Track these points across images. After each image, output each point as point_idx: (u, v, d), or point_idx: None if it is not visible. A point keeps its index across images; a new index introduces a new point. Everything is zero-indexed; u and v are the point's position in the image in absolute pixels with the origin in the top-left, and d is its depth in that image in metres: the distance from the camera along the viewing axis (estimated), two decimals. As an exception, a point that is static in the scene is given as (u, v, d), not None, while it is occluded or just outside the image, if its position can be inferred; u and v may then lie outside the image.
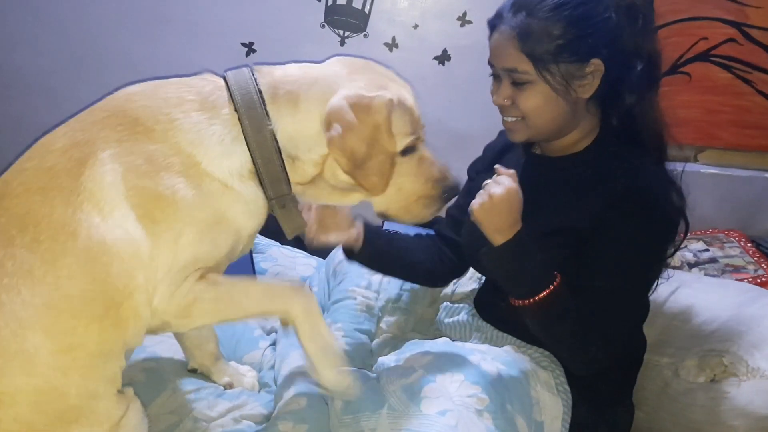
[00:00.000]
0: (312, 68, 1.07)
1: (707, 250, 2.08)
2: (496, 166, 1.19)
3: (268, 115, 0.99)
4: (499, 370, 1.19)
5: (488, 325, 1.40)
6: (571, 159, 1.29)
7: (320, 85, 1.02)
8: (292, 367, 1.34)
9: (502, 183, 1.13)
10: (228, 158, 0.98)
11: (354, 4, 2.45)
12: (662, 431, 1.48)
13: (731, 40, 2.24)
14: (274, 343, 1.54)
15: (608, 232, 1.15)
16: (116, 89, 1.02)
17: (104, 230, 0.87)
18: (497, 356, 1.24)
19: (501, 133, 1.51)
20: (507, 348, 1.29)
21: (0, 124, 2.55)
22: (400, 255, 1.42)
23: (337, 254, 1.71)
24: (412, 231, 1.58)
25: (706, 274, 1.96)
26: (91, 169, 0.88)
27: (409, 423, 1.05)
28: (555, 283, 1.14)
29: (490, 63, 1.25)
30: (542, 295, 1.13)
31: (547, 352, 1.28)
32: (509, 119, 1.25)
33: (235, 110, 0.98)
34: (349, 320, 1.49)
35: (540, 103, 1.19)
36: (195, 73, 1.05)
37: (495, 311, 1.39)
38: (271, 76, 1.03)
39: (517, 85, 1.19)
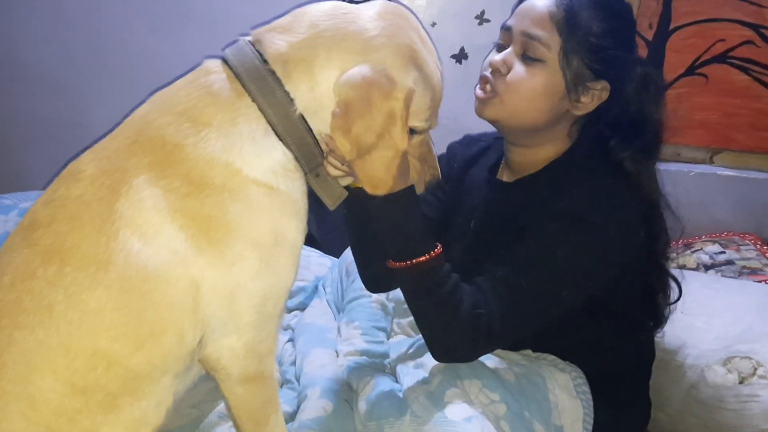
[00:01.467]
0: (327, 25, 0.91)
1: (723, 252, 2.07)
2: None
3: (289, 97, 0.90)
4: (516, 375, 1.16)
5: None
6: (527, 181, 1.23)
7: (342, 49, 0.89)
8: (315, 365, 1.34)
9: None
10: (266, 156, 0.90)
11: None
12: (688, 433, 1.49)
13: (749, 42, 2.24)
14: (291, 339, 1.54)
15: (531, 232, 1.10)
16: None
17: (146, 255, 0.80)
18: (514, 361, 1.21)
19: (465, 137, 1.48)
20: (523, 352, 1.27)
21: (16, 119, 2.57)
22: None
23: (350, 253, 1.65)
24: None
25: (723, 276, 1.94)
26: (126, 196, 0.82)
27: (434, 428, 1.03)
28: (434, 252, 1.05)
29: (504, 27, 1.17)
30: (420, 259, 1.03)
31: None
32: (487, 88, 1.16)
33: (253, 100, 0.90)
34: (367, 318, 1.48)
35: (537, 87, 1.12)
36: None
37: None
38: (274, 46, 0.90)
39: (528, 58, 1.12)
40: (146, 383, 0.83)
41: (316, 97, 0.91)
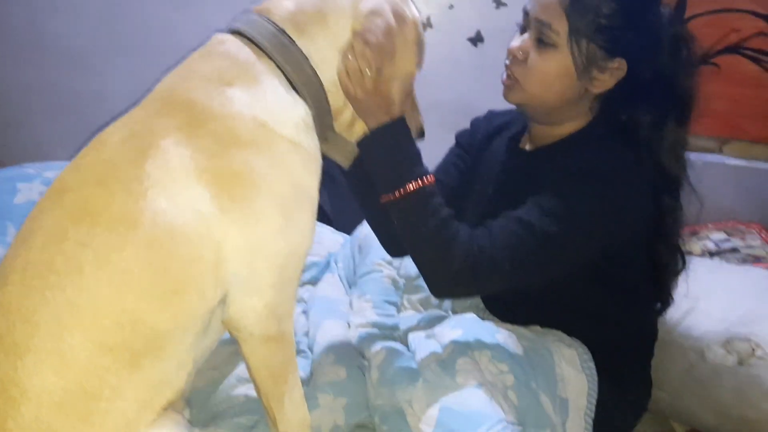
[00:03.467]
0: None
1: (728, 240, 2.10)
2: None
3: (302, 51, 0.96)
4: (525, 349, 1.19)
5: (497, 319, 1.39)
6: (547, 150, 1.26)
7: None
8: (328, 335, 1.36)
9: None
10: (291, 111, 0.94)
11: (390, -17, 2.46)
12: (687, 412, 1.53)
13: (762, 33, 2.25)
14: (304, 311, 1.57)
15: (546, 188, 1.13)
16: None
17: (172, 215, 0.81)
18: (522, 335, 1.24)
19: (489, 113, 1.51)
20: (532, 327, 1.30)
21: (37, 90, 2.57)
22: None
23: (363, 230, 1.73)
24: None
25: (727, 263, 1.97)
26: (155, 158, 0.82)
27: (445, 394, 1.06)
28: (426, 179, 1.07)
29: (525, 11, 1.20)
30: (411, 187, 1.05)
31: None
32: (510, 76, 1.21)
33: (270, 59, 0.94)
34: (378, 292, 1.50)
35: (552, 71, 1.15)
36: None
37: (501, 305, 1.38)
38: (282, 9, 0.97)
39: (542, 44, 1.15)
40: (169, 342, 0.84)
41: (328, 42, 0.98)
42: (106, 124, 0.91)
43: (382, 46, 0.96)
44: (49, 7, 2.48)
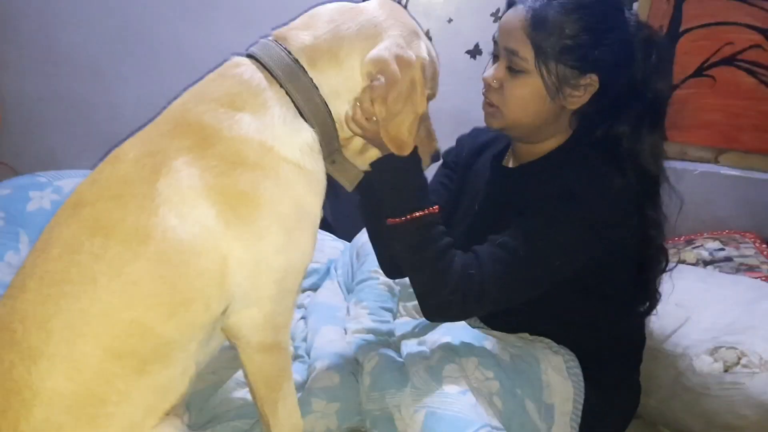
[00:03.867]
0: (343, 19, 1.01)
1: (723, 249, 2.11)
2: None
3: (313, 83, 0.99)
4: (511, 356, 1.22)
5: (487, 328, 1.40)
6: (529, 167, 1.28)
7: (361, 36, 1.00)
8: (325, 340, 1.39)
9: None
10: (296, 136, 0.97)
11: (391, -3, 2.49)
12: (675, 419, 1.54)
13: (757, 46, 2.26)
14: (303, 317, 1.60)
15: (529, 209, 1.15)
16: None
17: (181, 230, 0.85)
18: (510, 343, 1.26)
19: (474, 130, 1.52)
20: (521, 335, 1.32)
21: (50, 100, 2.59)
22: None
23: (361, 237, 1.76)
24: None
25: (720, 272, 1.98)
26: (167, 176, 0.86)
27: (431, 400, 1.09)
28: (431, 209, 1.12)
29: (494, 40, 1.22)
30: (417, 214, 1.10)
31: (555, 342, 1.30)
32: (489, 104, 1.23)
33: (281, 87, 0.98)
34: (374, 299, 1.53)
35: (526, 96, 1.17)
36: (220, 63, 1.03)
37: (491, 314, 1.39)
38: (299, 40, 1.00)
39: (513, 71, 1.17)
40: (175, 350, 0.88)
41: (340, 79, 1.01)
42: (118, 134, 0.95)
43: (386, 100, 0.97)
44: (63, 20, 2.51)
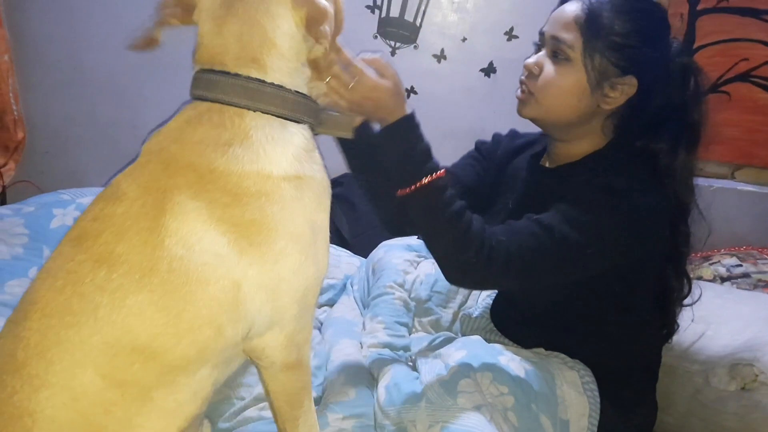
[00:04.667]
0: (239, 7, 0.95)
1: (740, 265, 2.10)
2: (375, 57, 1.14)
3: (275, 85, 0.94)
4: (526, 371, 1.21)
5: (505, 338, 1.42)
6: (568, 168, 1.29)
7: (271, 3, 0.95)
8: (341, 355, 1.39)
9: (366, 79, 1.08)
10: (289, 146, 0.95)
11: (406, 17, 2.51)
12: (691, 436, 1.52)
13: (772, 62, 2.26)
14: (320, 332, 1.61)
15: (569, 198, 1.16)
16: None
17: (188, 260, 0.84)
18: (525, 358, 1.26)
19: (511, 132, 1.54)
20: (536, 350, 1.32)
21: (74, 121, 2.63)
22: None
23: (377, 253, 1.78)
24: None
25: (738, 288, 1.97)
26: (172, 212, 0.86)
27: (447, 415, 1.09)
28: (438, 173, 1.12)
29: (541, 32, 1.25)
30: (425, 181, 1.10)
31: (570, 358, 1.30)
32: (524, 90, 1.24)
33: (252, 111, 0.94)
34: (389, 314, 1.53)
35: (566, 85, 1.19)
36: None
37: (510, 324, 1.42)
38: (228, 53, 0.94)
39: (556, 58, 1.19)
40: (181, 376, 0.88)
41: (288, 50, 0.95)
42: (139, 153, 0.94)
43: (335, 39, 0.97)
44: (87, 43, 2.56)
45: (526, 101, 1.25)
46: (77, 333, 0.82)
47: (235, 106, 0.93)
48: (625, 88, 1.18)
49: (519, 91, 1.27)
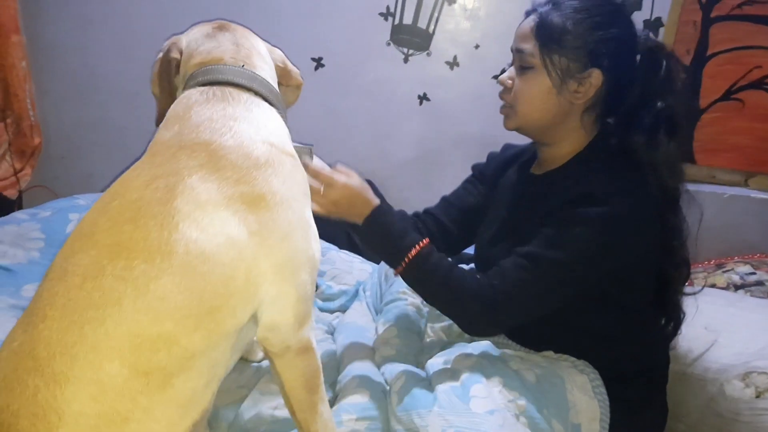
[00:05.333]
0: (235, 37, 1.17)
1: (754, 273, 2.09)
2: (336, 166, 1.27)
3: (266, 80, 1.10)
4: (537, 376, 1.23)
5: (514, 343, 1.42)
6: (553, 174, 1.33)
7: (254, 41, 1.20)
8: (353, 359, 1.38)
9: (336, 182, 1.21)
10: (282, 129, 1.05)
11: (419, 24, 2.53)
12: (706, 445, 1.52)
13: (786, 70, 2.26)
14: (331, 333, 1.62)
15: (553, 216, 1.19)
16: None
17: (203, 242, 0.85)
18: (536, 363, 1.27)
19: (504, 146, 1.60)
20: (545, 353, 1.33)
21: (89, 126, 2.67)
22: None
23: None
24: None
25: (751, 296, 1.97)
26: (183, 194, 0.87)
27: (459, 420, 1.09)
28: (421, 243, 1.22)
29: (511, 49, 1.31)
30: (411, 255, 1.21)
31: (581, 360, 1.30)
32: (504, 105, 1.32)
33: (249, 91, 1.06)
34: (402, 319, 1.54)
35: (535, 90, 1.24)
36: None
37: (518, 329, 1.40)
38: (227, 53, 1.11)
39: (522, 69, 1.26)
40: (199, 361, 0.88)
41: (269, 63, 1.17)
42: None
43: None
44: (102, 50, 2.59)
45: (507, 114, 1.32)
46: (102, 326, 0.81)
47: (237, 86, 1.05)
48: (591, 80, 1.23)
49: (500, 108, 1.34)
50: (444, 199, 1.61)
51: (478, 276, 1.21)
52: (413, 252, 1.21)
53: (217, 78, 1.05)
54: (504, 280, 1.17)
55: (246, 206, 0.90)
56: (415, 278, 1.23)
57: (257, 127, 0.99)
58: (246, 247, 0.90)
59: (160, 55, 1.18)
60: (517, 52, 1.27)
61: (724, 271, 2.12)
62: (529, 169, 1.43)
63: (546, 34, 1.22)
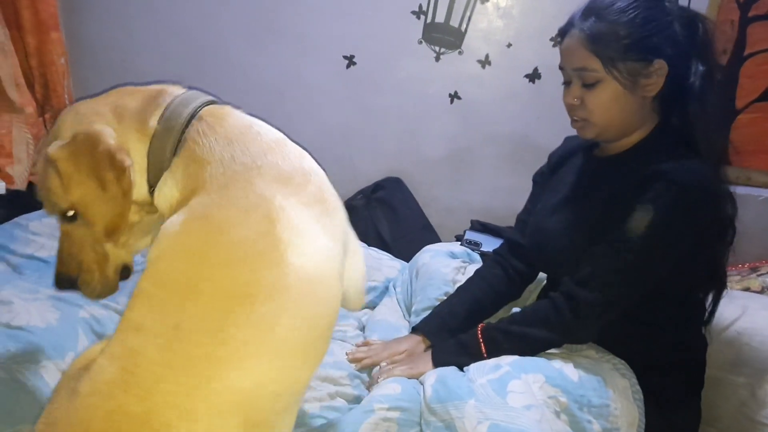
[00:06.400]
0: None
1: (789, 277, 2.06)
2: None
3: None
4: (580, 376, 1.22)
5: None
6: (622, 156, 1.36)
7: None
8: None
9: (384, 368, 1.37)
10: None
11: (451, 23, 2.53)
12: (738, 449, 1.50)
13: (823, 70, 2.20)
14: (360, 329, 1.65)
15: (632, 208, 1.22)
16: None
17: (308, 267, 0.86)
18: (578, 363, 1.26)
19: (565, 140, 1.62)
20: (587, 353, 1.32)
21: None
22: (469, 317, 1.51)
23: (421, 257, 1.81)
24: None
25: (787, 301, 1.94)
26: (280, 220, 0.87)
27: (496, 413, 1.09)
28: (478, 335, 1.33)
29: (561, 68, 1.35)
30: (483, 349, 1.31)
31: (623, 361, 1.30)
32: (577, 119, 1.34)
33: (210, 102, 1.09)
34: None
35: (608, 100, 1.27)
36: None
37: None
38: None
39: (587, 85, 1.28)
40: (299, 399, 0.91)
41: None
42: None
43: None
44: (140, 48, 2.64)
45: (583, 127, 1.34)
46: (220, 382, 0.78)
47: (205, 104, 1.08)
48: (657, 71, 1.26)
49: (572, 122, 1.37)
50: (518, 220, 1.66)
51: (544, 303, 1.31)
52: (482, 343, 1.32)
53: (187, 110, 1.03)
54: (584, 292, 1.24)
55: (327, 222, 0.95)
56: (505, 350, 1.29)
57: (297, 154, 1.03)
58: (339, 263, 0.96)
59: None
60: (576, 71, 1.30)
61: (759, 275, 2.08)
62: (592, 152, 1.46)
63: (602, 47, 1.25)
